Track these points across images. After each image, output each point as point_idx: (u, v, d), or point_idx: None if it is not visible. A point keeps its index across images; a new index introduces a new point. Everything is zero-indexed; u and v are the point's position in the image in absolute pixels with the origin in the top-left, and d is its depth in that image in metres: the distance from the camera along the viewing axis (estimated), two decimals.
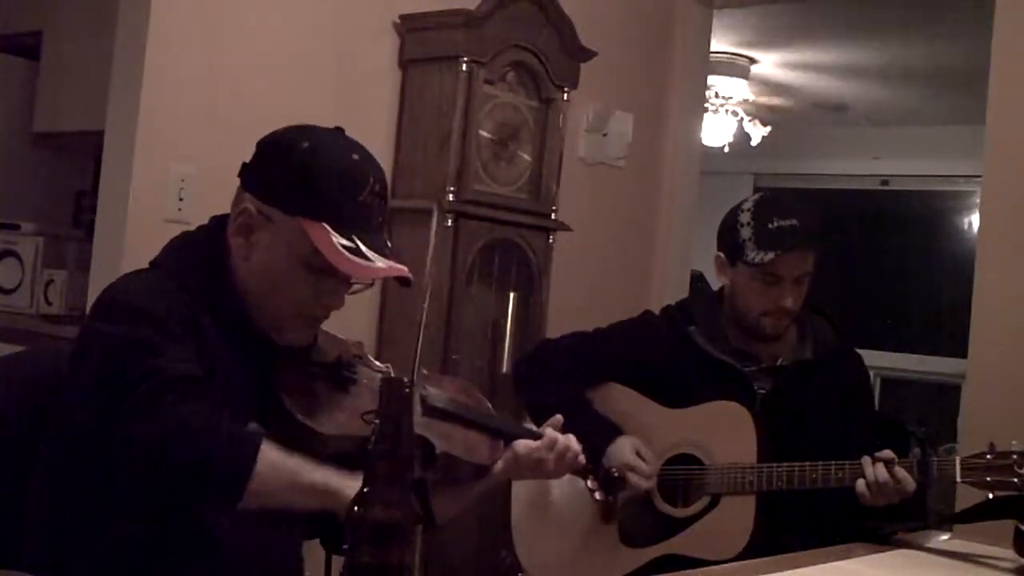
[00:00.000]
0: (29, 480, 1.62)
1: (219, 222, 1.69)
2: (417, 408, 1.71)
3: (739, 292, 2.34)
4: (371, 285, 1.67)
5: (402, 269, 1.61)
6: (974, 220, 6.62)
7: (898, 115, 6.76)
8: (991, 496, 2.02)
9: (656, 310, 2.56)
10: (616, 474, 2.15)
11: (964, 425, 4.07)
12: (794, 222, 2.26)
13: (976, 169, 3.48)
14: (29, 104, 3.89)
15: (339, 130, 1.68)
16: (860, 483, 2.11)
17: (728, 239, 2.33)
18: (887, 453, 2.12)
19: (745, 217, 2.31)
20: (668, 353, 2.38)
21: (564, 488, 2.38)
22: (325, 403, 1.66)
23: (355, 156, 1.63)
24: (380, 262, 1.58)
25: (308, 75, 3.08)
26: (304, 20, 3.08)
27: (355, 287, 1.66)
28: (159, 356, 1.47)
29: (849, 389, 2.39)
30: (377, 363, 1.79)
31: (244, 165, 1.67)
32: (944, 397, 6.48)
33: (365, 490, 1.09)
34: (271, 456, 1.45)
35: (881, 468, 2.09)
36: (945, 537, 2.21)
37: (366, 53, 3.24)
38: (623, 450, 2.26)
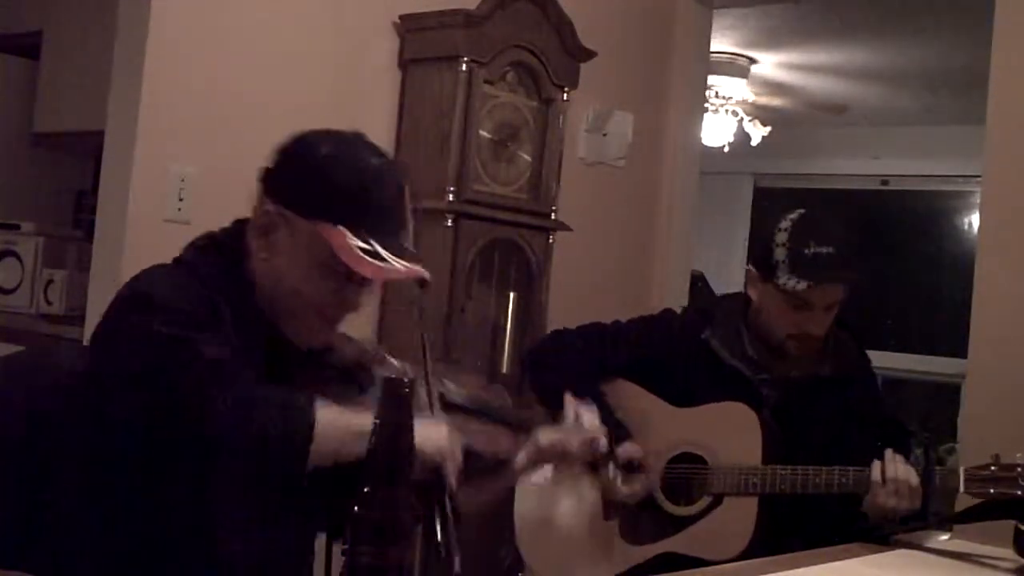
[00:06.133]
0: (32, 480, 1.62)
1: (241, 224, 1.71)
2: (436, 404, 1.72)
3: (766, 311, 2.29)
4: (382, 286, 1.68)
5: (419, 271, 1.63)
6: (974, 220, 6.61)
7: (898, 115, 6.76)
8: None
9: (677, 309, 2.55)
10: (636, 462, 2.12)
11: (964, 425, 4.07)
12: (831, 250, 2.20)
13: (976, 169, 3.48)
14: (29, 104, 3.90)
15: (358, 134, 1.70)
16: (875, 472, 2.10)
17: (762, 256, 2.27)
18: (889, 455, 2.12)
19: (782, 237, 2.24)
20: (681, 354, 2.37)
21: (567, 484, 2.38)
22: (342, 405, 1.66)
23: (374, 160, 1.66)
24: (397, 264, 1.60)
25: (308, 75, 3.08)
26: (304, 20, 3.08)
27: (371, 288, 1.68)
28: (195, 345, 1.50)
29: (859, 412, 2.34)
30: (396, 363, 1.80)
31: (264, 169, 1.68)
32: (944, 397, 6.48)
33: (365, 490, 1.09)
34: (326, 413, 1.49)
35: (900, 463, 2.08)
36: (945, 537, 2.20)
37: (366, 53, 3.24)
38: (631, 452, 2.25)
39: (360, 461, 1.51)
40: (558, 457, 1.85)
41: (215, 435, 1.46)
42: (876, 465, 2.11)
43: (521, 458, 1.80)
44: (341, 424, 1.50)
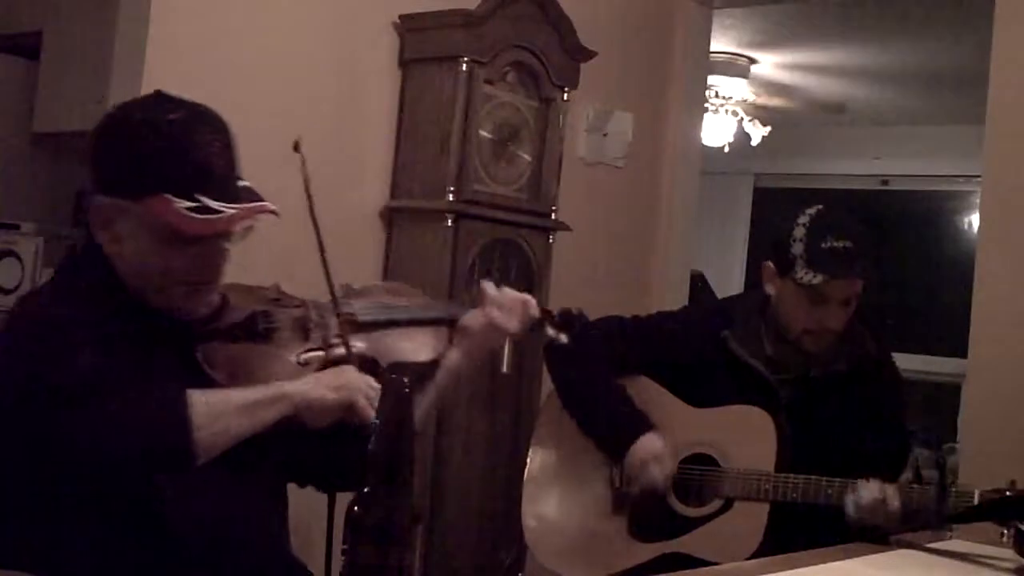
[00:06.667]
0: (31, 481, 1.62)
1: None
2: (344, 328, 1.69)
3: (783, 305, 2.29)
4: (250, 228, 1.64)
5: (259, 207, 1.61)
6: (974, 220, 6.61)
7: (898, 115, 6.76)
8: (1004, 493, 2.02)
9: (690, 305, 2.54)
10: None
11: (964, 425, 4.07)
12: (848, 244, 2.21)
13: (976, 169, 3.49)
14: (29, 104, 3.89)
15: (157, 94, 1.66)
16: (849, 502, 2.10)
17: (780, 251, 2.28)
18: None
19: (799, 232, 2.24)
20: (700, 352, 2.36)
21: (578, 478, 2.39)
22: (253, 362, 1.65)
23: (171, 116, 1.61)
24: (229, 211, 1.58)
25: (308, 75, 3.08)
26: (304, 20, 3.08)
27: (235, 236, 1.64)
28: (58, 368, 1.48)
29: (880, 406, 2.33)
30: (295, 299, 1.77)
31: (86, 163, 1.66)
32: (944, 397, 6.48)
33: (365, 490, 1.09)
34: (201, 400, 1.49)
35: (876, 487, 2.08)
36: (946, 537, 2.20)
37: (366, 53, 3.24)
38: (654, 443, 2.27)
39: (271, 426, 1.53)
40: (492, 332, 1.82)
41: (97, 460, 1.46)
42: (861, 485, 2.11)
43: (454, 351, 1.79)
44: (221, 407, 1.50)
